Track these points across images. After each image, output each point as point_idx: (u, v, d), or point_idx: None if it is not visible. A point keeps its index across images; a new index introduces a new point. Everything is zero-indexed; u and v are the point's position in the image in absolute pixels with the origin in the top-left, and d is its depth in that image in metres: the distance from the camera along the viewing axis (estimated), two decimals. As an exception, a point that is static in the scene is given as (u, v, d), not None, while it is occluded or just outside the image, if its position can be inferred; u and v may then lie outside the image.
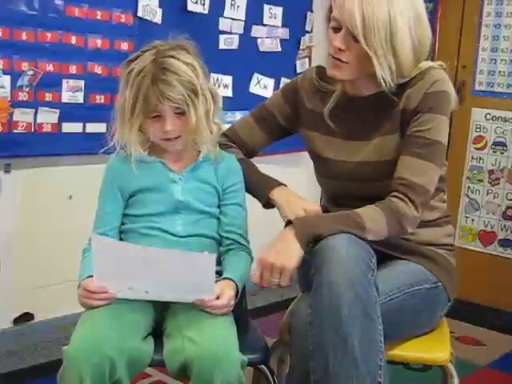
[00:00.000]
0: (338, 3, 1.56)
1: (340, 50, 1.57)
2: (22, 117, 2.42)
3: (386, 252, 1.65)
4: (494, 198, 3.29)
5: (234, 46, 3.06)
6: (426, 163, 1.57)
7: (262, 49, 3.19)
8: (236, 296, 1.55)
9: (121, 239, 1.67)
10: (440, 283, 1.66)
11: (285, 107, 1.82)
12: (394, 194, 1.57)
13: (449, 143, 1.67)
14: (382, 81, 1.56)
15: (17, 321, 2.59)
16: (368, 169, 1.66)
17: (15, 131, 2.41)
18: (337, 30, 1.58)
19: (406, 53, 1.56)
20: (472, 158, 3.32)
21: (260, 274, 1.49)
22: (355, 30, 1.52)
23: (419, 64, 1.61)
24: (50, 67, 2.46)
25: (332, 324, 1.42)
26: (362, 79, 1.64)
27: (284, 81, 3.28)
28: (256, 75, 3.19)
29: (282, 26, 3.25)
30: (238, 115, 3.06)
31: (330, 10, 1.62)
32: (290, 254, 1.48)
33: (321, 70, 1.77)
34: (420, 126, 1.58)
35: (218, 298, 1.50)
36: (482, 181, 3.31)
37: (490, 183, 3.29)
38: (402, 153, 1.59)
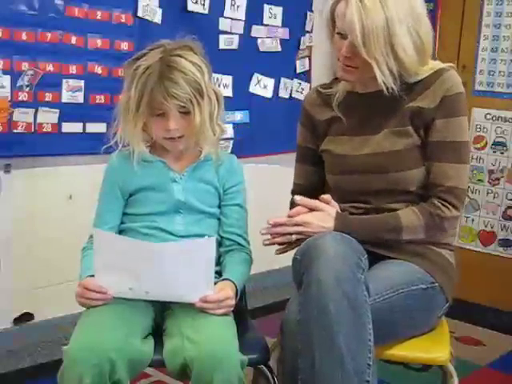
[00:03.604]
0: (339, 15, 1.63)
1: (347, 57, 1.64)
2: (22, 117, 2.42)
3: (382, 253, 1.66)
4: (494, 197, 3.28)
5: (234, 46, 3.06)
6: (461, 166, 1.67)
7: (262, 49, 3.19)
8: (236, 296, 1.55)
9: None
10: (437, 284, 1.65)
11: (307, 134, 1.86)
12: (436, 198, 1.64)
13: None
14: (383, 85, 1.62)
15: (17, 321, 2.59)
16: (380, 159, 1.68)
17: (15, 131, 2.41)
18: (343, 36, 1.64)
19: (409, 54, 1.61)
20: (472, 157, 3.31)
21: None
22: (356, 40, 1.59)
23: (429, 64, 1.68)
24: (50, 67, 2.46)
25: (319, 322, 1.41)
26: (371, 77, 1.67)
27: (284, 81, 3.29)
28: (256, 75, 3.18)
29: (282, 26, 3.24)
30: (238, 115, 3.06)
31: (332, 18, 1.69)
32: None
33: (320, 86, 1.87)
34: (447, 131, 1.65)
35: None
36: (482, 181, 3.31)
37: (490, 183, 3.29)
38: (435, 160, 1.66)
